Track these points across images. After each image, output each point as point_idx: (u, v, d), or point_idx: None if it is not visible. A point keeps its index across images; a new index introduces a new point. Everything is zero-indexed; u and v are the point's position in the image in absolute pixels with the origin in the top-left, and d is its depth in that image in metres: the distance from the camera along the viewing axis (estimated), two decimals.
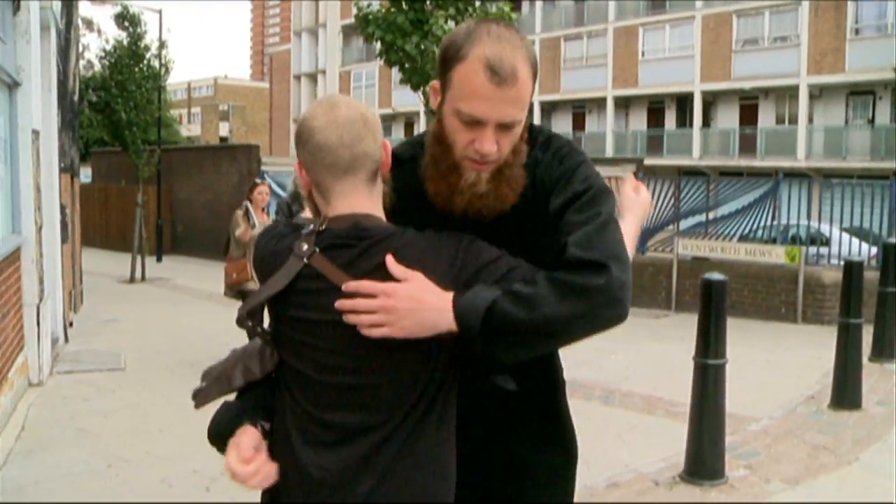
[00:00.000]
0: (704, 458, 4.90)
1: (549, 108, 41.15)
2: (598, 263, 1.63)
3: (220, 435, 1.77)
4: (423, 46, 11.03)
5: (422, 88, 11.45)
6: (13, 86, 7.18)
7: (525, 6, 41.16)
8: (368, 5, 11.71)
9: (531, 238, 1.81)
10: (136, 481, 4.97)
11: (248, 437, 1.72)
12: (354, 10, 11.90)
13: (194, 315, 12.30)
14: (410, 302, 1.62)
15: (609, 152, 36.92)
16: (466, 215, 1.81)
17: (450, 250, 1.68)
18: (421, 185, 1.87)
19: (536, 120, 40.27)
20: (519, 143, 1.80)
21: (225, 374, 1.81)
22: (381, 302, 1.61)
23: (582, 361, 8.48)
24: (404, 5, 11.26)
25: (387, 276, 1.62)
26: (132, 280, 17.54)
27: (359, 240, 1.67)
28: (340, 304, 1.63)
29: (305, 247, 1.69)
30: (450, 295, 1.64)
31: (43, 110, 8.30)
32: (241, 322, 1.76)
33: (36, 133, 7.75)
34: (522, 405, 1.96)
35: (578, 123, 40.37)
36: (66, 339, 9.79)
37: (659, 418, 6.50)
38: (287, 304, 1.70)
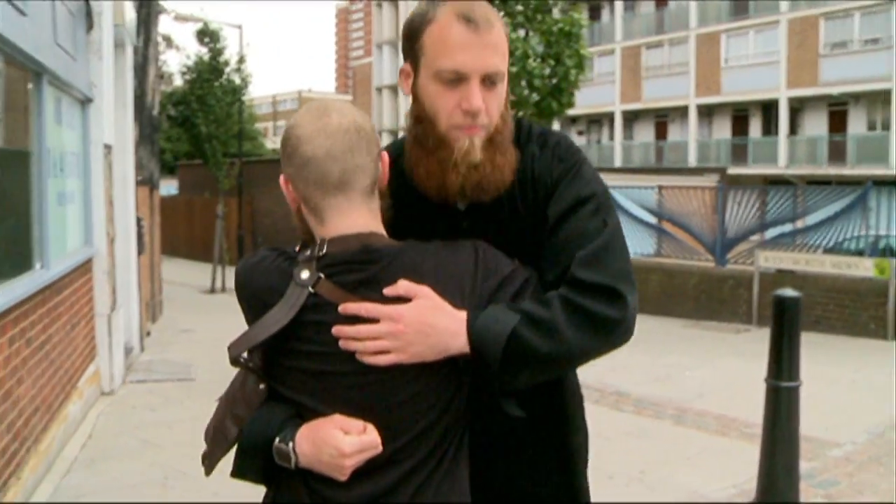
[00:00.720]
0: (777, 485, 4.61)
1: (630, 118, 40.55)
2: (613, 291, 1.57)
3: (263, 438, 1.56)
4: None
5: None
6: (86, 102, 7.32)
7: (605, 14, 40.73)
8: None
9: (530, 236, 1.70)
10: (190, 495, 4.95)
11: (340, 418, 1.51)
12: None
13: None
14: (420, 325, 1.49)
15: (692, 161, 36.15)
16: (465, 196, 1.67)
17: (468, 262, 1.56)
18: (409, 183, 1.72)
19: (618, 130, 39.82)
20: (506, 111, 1.68)
21: (220, 430, 1.62)
22: (388, 327, 1.48)
23: (655, 378, 8.23)
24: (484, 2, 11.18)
25: (404, 299, 1.50)
26: (212, 290, 17.86)
27: (370, 262, 1.51)
28: (338, 330, 1.48)
29: (307, 274, 1.51)
30: (462, 316, 1.52)
31: (116, 125, 8.46)
32: (235, 362, 1.57)
33: (108, 147, 7.90)
34: (524, 433, 1.79)
35: (661, 132, 39.65)
36: (142, 349, 9.96)
37: (733, 440, 6.21)
38: (292, 337, 1.51)
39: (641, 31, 39.19)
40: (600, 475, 5.22)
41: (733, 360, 9.28)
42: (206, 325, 12.19)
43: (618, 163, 38.81)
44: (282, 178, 1.60)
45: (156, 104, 13.70)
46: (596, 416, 6.44)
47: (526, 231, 1.71)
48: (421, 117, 1.67)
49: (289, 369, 1.56)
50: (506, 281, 1.57)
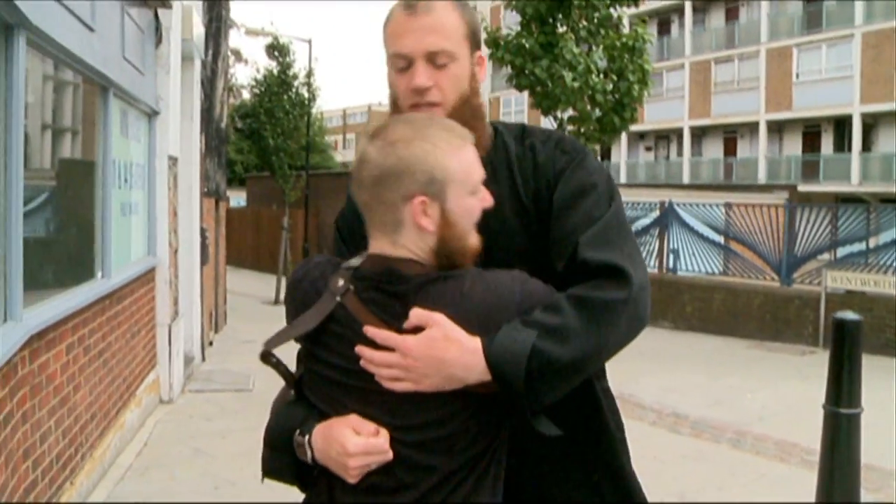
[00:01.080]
0: None
1: (699, 133, 39.93)
2: (616, 268, 1.59)
3: (286, 432, 1.61)
4: (552, 70, 10.85)
5: (552, 113, 11.28)
6: (152, 114, 7.49)
7: (674, 29, 40.26)
8: (497, 29, 11.67)
9: (535, 224, 1.75)
10: None
11: (354, 419, 1.52)
12: (483, 36, 11.91)
13: None
14: (430, 360, 1.48)
15: (762, 178, 35.42)
16: None
17: (510, 295, 1.53)
18: None
19: (686, 146, 39.24)
20: (470, 93, 1.76)
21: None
22: (398, 360, 1.49)
23: (715, 400, 8.06)
24: (533, 29, 11.13)
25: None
26: (276, 302, 18.07)
27: (393, 284, 1.52)
28: (360, 350, 1.50)
29: (341, 282, 1.55)
30: (476, 345, 1.49)
31: (182, 137, 8.64)
32: (265, 358, 1.64)
33: (173, 159, 8.06)
34: (561, 445, 1.72)
35: (730, 149, 38.94)
36: (203, 358, 10.11)
37: (792, 467, 6.03)
38: (318, 343, 1.58)
39: (711, 46, 38.58)
40: (652, 498, 5.12)
41: (797, 384, 9.03)
42: (267, 336, 12.29)
43: (686, 179, 38.23)
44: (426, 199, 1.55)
45: (224, 117, 13.95)
46: (652, 439, 6.35)
47: (530, 221, 1.75)
48: (392, 101, 1.79)
49: (312, 374, 1.62)
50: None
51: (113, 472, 5.63)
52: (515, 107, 50.55)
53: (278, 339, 1.61)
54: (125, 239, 6.59)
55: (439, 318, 1.48)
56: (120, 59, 6.01)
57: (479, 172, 1.59)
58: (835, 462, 4.42)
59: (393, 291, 1.51)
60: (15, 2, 3.52)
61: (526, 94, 12.12)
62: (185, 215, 8.98)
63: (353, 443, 1.47)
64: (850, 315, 4.48)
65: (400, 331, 1.49)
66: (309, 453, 1.55)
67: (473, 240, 1.59)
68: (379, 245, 1.57)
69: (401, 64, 1.73)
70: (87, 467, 5.11)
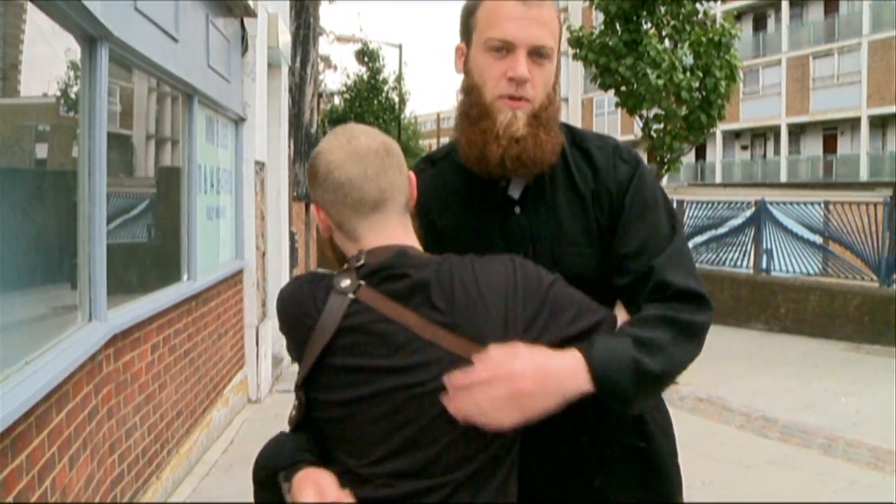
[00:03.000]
0: None
1: (797, 131, 38.71)
2: (699, 295, 1.65)
3: (271, 469, 1.55)
4: (637, 68, 10.69)
5: (638, 112, 11.12)
6: (239, 121, 7.69)
7: (770, 24, 39.16)
8: (581, 28, 11.57)
9: (592, 227, 1.76)
10: None
11: (328, 477, 1.46)
12: (566, 35, 11.81)
13: None
14: (536, 374, 1.42)
15: (864, 176, 34.07)
16: (504, 168, 1.68)
17: (507, 275, 1.50)
18: (455, 177, 1.80)
19: (784, 144, 38.14)
20: (554, 95, 1.72)
21: None
22: (508, 388, 1.39)
23: (806, 404, 7.81)
24: (618, 27, 11.01)
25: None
26: None
27: (412, 267, 1.47)
28: (454, 407, 1.40)
29: (349, 282, 1.47)
30: (574, 353, 1.46)
31: (270, 143, 8.86)
32: (298, 389, 1.55)
33: (260, 164, 8.27)
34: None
35: (830, 146, 37.60)
36: (292, 359, 10.31)
37: (887, 476, 5.78)
38: (332, 351, 1.46)
39: (809, 41, 37.33)
40: None
41: (894, 388, 8.67)
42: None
43: (783, 178, 37.13)
44: (314, 207, 1.59)
45: (314, 122, 14.22)
46: (739, 442, 6.23)
47: (583, 216, 1.76)
48: (469, 89, 1.72)
49: (326, 388, 1.51)
50: (556, 306, 1.51)
51: (198, 468, 5.80)
52: (609, 107, 50.07)
53: (304, 366, 1.51)
54: (213, 242, 6.78)
55: (521, 346, 1.44)
56: (205, 68, 6.19)
57: None
58: None
59: (410, 275, 1.47)
60: (97, 16, 3.67)
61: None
62: (273, 219, 9.18)
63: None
64: None
65: (428, 318, 1.43)
66: (288, 499, 1.47)
67: None
68: (385, 236, 1.53)
69: (499, 46, 1.66)
70: (172, 463, 5.28)
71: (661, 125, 11.39)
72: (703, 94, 11.21)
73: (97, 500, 3.84)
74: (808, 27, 37.64)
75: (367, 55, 18.79)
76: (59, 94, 3.95)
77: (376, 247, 1.52)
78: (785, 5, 38.22)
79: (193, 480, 5.53)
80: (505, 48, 1.66)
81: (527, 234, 1.75)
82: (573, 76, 53.45)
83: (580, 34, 11.48)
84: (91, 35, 3.87)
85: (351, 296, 1.46)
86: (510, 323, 1.46)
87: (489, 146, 1.66)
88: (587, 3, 11.96)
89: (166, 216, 5.84)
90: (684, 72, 10.97)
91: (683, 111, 11.17)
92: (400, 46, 23.34)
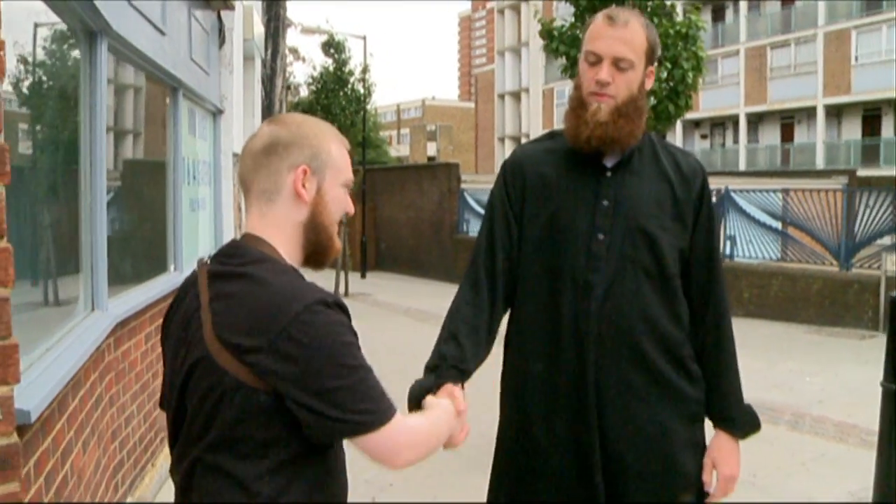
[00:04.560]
0: (893, 493, 4.52)
1: (755, 120, 39.38)
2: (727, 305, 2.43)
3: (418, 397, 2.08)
4: None
5: None
6: (217, 113, 7.76)
7: (729, 15, 39.73)
8: (552, 21, 11.73)
9: (671, 200, 2.31)
10: None
11: (458, 389, 2.04)
12: (538, 27, 11.97)
13: (388, 330, 12.69)
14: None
15: (820, 164, 34.80)
16: (590, 145, 2.25)
17: (276, 310, 1.55)
18: (563, 146, 2.38)
19: (742, 133, 38.75)
20: (637, 95, 2.26)
21: None
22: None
23: (773, 384, 8.10)
24: (587, 19, 11.18)
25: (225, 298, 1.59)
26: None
27: (226, 257, 1.66)
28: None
29: (206, 258, 1.69)
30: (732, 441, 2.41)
31: (245, 134, 8.92)
32: None
33: (237, 156, 8.33)
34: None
35: (787, 135, 38.33)
36: None
37: (851, 447, 6.07)
38: (169, 314, 1.76)
39: (766, 31, 37.99)
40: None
41: (856, 367, 8.99)
42: None
43: (742, 166, 37.76)
44: None
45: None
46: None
47: (665, 191, 2.31)
48: (575, 87, 2.33)
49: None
50: (284, 354, 1.52)
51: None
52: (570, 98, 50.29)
53: None
54: (193, 234, 6.85)
55: None
56: (188, 61, 6.27)
57: (351, 175, 1.78)
58: (893, 438, 4.48)
59: (227, 265, 1.63)
60: (100, 10, 3.76)
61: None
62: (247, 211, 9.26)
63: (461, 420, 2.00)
64: None
65: (209, 306, 1.60)
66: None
67: (336, 239, 1.77)
68: (250, 221, 1.70)
69: (592, 59, 2.25)
70: (164, 450, 5.38)
71: None
72: (671, 84, 11.47)
73: (103, 485, 3.94)
74: (766, 18, 38.26)
75: (332, 47, 18.80)
76: (57, 88, 4.02)
77: (245, 233, 1.72)
78: None
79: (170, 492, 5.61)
80: (595, 58, 2.24)
81: (612, 190, 2.30)
82: (534, 66, 53.79)
83: (551, 26, 11.64)
84: (91, 29, 3.95)
85: (196, 268, 1.71)
86: (230, 337, 1.55)
87: (580, 129, 2.25)
88: None
89: (154, 207, 5.91)
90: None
91: (652, 101, 11.40)
92: (364, 38, 23.42)
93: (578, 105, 2.26)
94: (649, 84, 2.30)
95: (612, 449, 2.24)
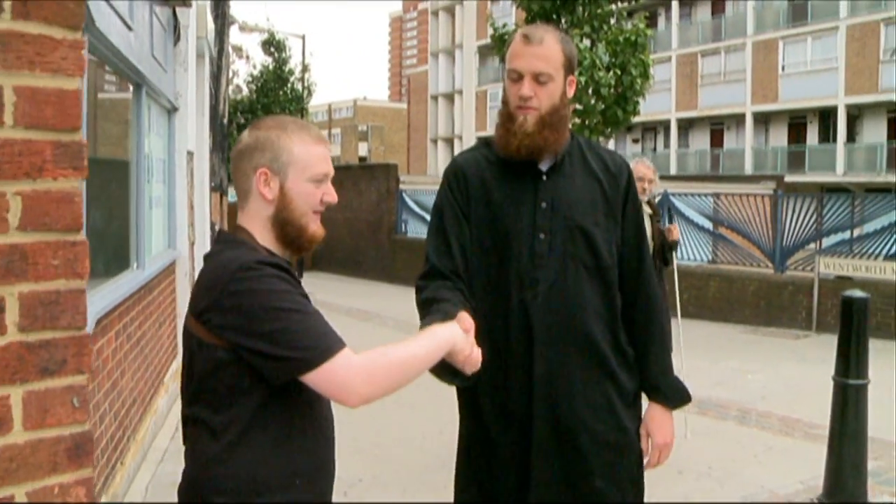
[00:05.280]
0: (845, 481, 4.76)
1: (685, 126, 40.35)
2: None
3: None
4: None
5: None
6: (172, 111, 7.71)
7: (661, 23, 40.61)
8: (504, 26, 11.90)
9: (602, 197, 2.53)
10: None
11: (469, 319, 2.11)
12: (490, 31, 12.14)
13: None
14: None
15: (748, 169, 35.88)
16: (520, 154, 2.44)
17: (212, 272, 1.83)
18: (496, 157, 2.55)
19: (674, 138, 39.61)
20: (559, 105, 2.44)
21: None
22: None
23: (717, 381, 8.36)
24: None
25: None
26: None
27: (215, 243, 1.94)
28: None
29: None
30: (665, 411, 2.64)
31: (197, 132, 8.86)
32: None
33: (190, 154, 8.29)
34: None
35: (716, 140, 39.38)
36: None
37: (797, 440, 6.34)
38: None
39: (698, 39, 38.99)
40: (670, 471, 5.42)
41: (794, 365, 9.36)
42: None
43: (673, 171, 38.61)
44: None
45: (226, 113, 14.16)
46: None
47: (595, 189, 2.52)
48: (503, 102, 2.53)
49: None
50: (234, 305, 1.76)
51: (152, 454, 5.87)
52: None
53: None
54: (150, 232, 6.80)
55: None
56: (150, 57, 6.23)
57: (325, 168, 1.92)
58: (844, 430, 4.72)
59: (211, 249, 1.92)
60: (88, 5, 3.75)
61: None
62: (198, 210, 9.20)
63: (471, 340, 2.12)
64: (858, 293, 4.79)
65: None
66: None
67: (313, 226, 1.93)
68: (239, 213, 1.96)
69: (514, 76, 2.45)
70: (132, 449, 5.35)
71: (581, 120, 11.86)
72: (620, 90, 11.74)
73: None
74: (697, 26, 39.25)
75: (273, 45, 18.69)
76: None
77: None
78: (675, 5, 39.72)
79: (150, 466, 5.60)
80: (517, 75, 2.43)
81: (549, 193, 2.49)
82: (468, 68, 54.11)
83: (504, 32, 11.80)
84: None
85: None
86: (193, 304, 1.83)
87: (510, 141, 2.45)
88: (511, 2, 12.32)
89: (117, 204, 5.86)
90: (606, 70, 11.46)
91: (601, 107, 11.67)
92: (303, 37, 23.31)
93: (507, 119, 2.47)
94: (570, 92, 2.48)
95: (569, 421, 2.44)
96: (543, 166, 2.51)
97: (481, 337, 2.40)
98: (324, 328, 1.73)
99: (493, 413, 2.49)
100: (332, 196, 1.94)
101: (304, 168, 1.88)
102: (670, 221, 6.24)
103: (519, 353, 2.44)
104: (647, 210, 5.76)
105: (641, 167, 5.93)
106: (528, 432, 2.43)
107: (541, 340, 2.43)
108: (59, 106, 1.39)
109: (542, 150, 2.44)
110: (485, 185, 2.52)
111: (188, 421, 1.86)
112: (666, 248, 6.11)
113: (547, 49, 2.41)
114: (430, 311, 2.29)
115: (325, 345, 1.70)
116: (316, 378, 1.70)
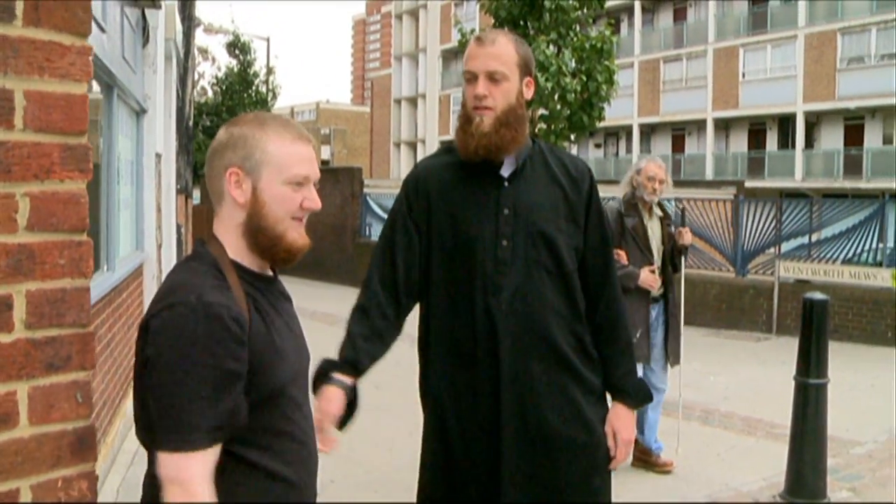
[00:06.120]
0: (805, 478, 4.90)
1: (647, 131, 40.81)
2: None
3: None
4: None
5: None
6: (140, 112, 7.69)
7: (624, 28, 41.02)
8: (472, 30, 11.99)
9: (564, 203, 2.56)
10: None
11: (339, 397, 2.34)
12: (457, 36, 12.23)
13: None
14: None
15: (709, 175, 36.37)
16: (478, 154, 2.47)
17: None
18: (459, 160, 2.58)
19: (636, 143, 40.04)
20: (516, 105, 2.49)
21: None
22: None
23: (683, 383, 8.49)
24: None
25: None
26: None
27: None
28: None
29: None
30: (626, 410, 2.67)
31: (164, 134, 8.83)
32: None
33: (158, 156, 8.27)
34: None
35: (678, 146, 39.87)
36: None
37: (759, 439, 6.49)
38: None
39: (660, 45, 39.48)
40: (637, 469, 5.54)
41: (755, 367, 9.55)
42: None
43: None
44: None
45: (191, 115, 14.10)
46: None
47: (557, 195, 2.55)
48: (462, 105, 2.56)
49: None
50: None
51: (121, 457, 5.85)
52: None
53: None
54: (118, 234, 6.78)
55: None
56: (121, 59, 6.22)
57: (306, 170, 1.71)
58: (805, 429, 4.86)
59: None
60: None
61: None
62: (165, 212, 9.17)
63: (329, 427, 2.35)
64: (818, 295, 4.92)
65: None
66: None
67: (292, 234, 1.73)
68: (214, 219, 1.78)
69: (468, 77, 2.51)
70: (102, 452, 5.33)
71: (546, 125, 11.99)
72: (586, 96, 11.89)
73: None
74: (659, 33, 39.73)
75: (237, 47, 18.63)
76: None
77: None
78: (637, 11, 40.18)
79: (120, 469, 5.58)
80: (472, 76, 2.49)
81: (511, 199, 2.52)
82: (431, 72, 54.18)
83: (469, 38, 11.90)
84: None
85: None
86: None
87: (469, 142, 2.48)
88: (478, 6, 12.41)
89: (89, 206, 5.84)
90: (572, 76, 11.60)
91: (566, 112, 11.80)
92: (268, 39, 23.25)
93: (465, 121, 2.50)
94: (528, 94, 2.53)
95: (536, 423, 2.49)
96: (505, 172, 2.54)
97: (445, 342, 2.53)
98: (204, 416, 1.54)
99: (458, 418, 2.52)
100: (313, 202, 1.73)
101: (280, 168, 1.67)
102: (682, 224, 5.91)
103: (485, 359, 2.47)
104: (657, 213, 5.63)
105: (653, 167, 5.55)
106: (496, 435, 2.47)
107: (506, 346, 2.46)
108: (66, 110, 1.44)
109: (499, 149, 2.46)
110: (447, 193, 2.55)
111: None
112: (675, 252, 5.71)
113: (500, 49, 2.46)
114: (341, 353, 2.56)
115: (186, 437, 1.54)
116: (160, 458, 1.56)
